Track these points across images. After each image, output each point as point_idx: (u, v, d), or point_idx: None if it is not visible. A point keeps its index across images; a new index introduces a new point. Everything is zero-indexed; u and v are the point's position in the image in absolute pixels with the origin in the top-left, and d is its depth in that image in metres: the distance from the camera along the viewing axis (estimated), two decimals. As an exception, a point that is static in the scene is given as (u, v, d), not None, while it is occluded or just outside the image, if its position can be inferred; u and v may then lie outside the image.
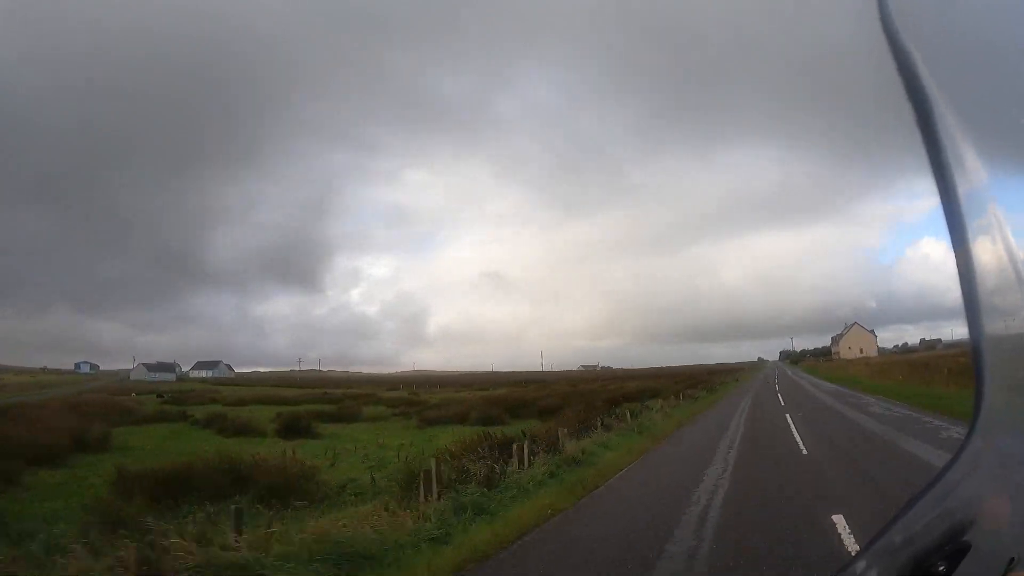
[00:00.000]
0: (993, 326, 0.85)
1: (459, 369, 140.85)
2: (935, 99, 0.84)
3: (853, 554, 1.26)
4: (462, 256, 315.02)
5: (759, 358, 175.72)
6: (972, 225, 0.84)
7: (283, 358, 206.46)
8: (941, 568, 0.88)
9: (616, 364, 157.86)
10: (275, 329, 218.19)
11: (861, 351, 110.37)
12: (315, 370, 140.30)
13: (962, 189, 0.84)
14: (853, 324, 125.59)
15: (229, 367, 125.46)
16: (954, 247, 0.85)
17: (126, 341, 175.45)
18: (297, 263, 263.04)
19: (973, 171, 0.86)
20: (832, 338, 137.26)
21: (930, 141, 0.84)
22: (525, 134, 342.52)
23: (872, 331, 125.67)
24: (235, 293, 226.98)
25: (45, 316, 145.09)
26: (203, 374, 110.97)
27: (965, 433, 0.90)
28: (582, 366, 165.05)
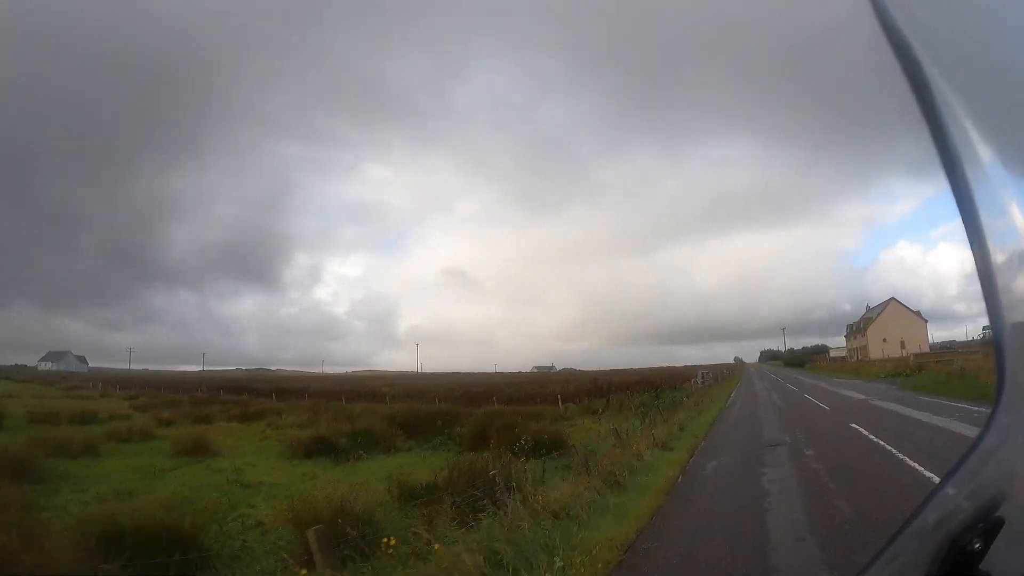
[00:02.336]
0: (1013, 311, 0.85)
1: (427, 370, 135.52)
2: (941, 91, 0.84)
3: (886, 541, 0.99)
4: (430, 256, 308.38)
5: (736, 358, 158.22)
6: (982, 205, 0.85)
7: (253, 358, 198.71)
8: (977, 545, 0.88)
9: (588, 366, 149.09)
10: (241, 328, 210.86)
11: (903, 344, 66.91)
12: (264, 369, 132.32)
13: (972, 178, 0.84)
14: (889, 302, 78.40)
15: (82, 360, 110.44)
16: (966, 227, 0.85)
17: (94, 339, 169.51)
18: (259, 261, 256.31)
19: (985, 161, 0.86)
20: (849, 327, 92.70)
21: (937, 132, 0.84)
22: (488, 128, 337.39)
23: (919, 313, 77.28)
24: (197, 291, 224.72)
25: (5, 312, 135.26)
26: (49, 366, 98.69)
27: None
28: (535, 367, 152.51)
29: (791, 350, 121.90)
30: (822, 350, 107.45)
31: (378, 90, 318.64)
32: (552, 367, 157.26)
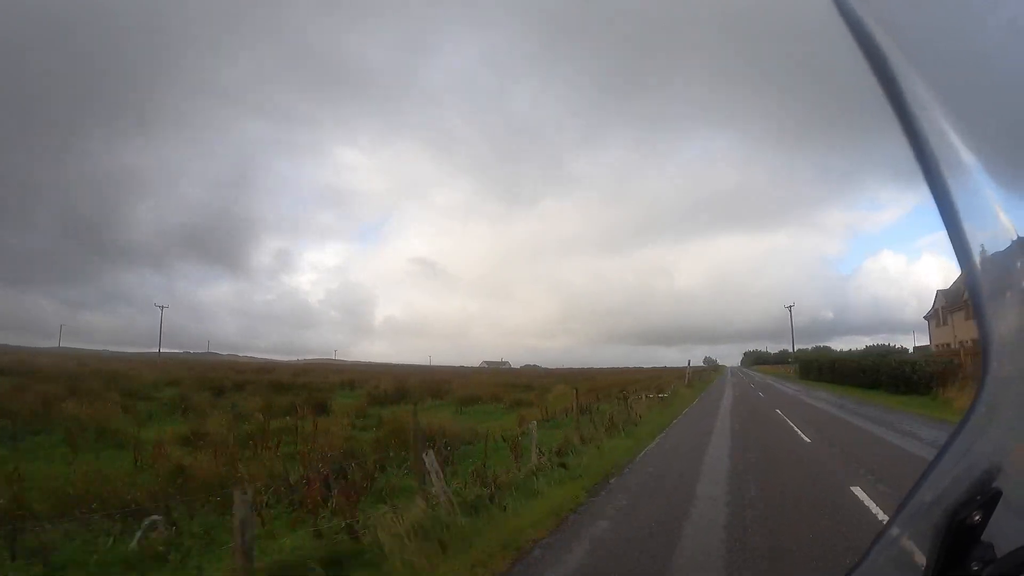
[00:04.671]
0: (1001, 317, 0.87)
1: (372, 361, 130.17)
2: (918, 97, 0.83)
3: (884, 521, 1.24)
4: (405, 246, 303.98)
5: (707, 359, 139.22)
6: (966, 213, 0.84)
7: (231, 344, 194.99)
8: (976, 518, 0.90)
9: (563, 364, 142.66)
10: (211, 314, 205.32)
11: None
12: (213, 354, 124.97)
13: (954, 187, 0.84)
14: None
15: None
16: (950, 236, 0.84)
17: (64, 317, 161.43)
18: (227, 245, 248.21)
19: (968, 168, 0.86)
20: (945, 297, 46.01)
21: (916, 139, 0.83)
22: (459, 113, 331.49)
23: None
24: (162, 273, 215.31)
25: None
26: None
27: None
28: (484, 362, 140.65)
29: (781, 352, 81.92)
30: (824, 351, 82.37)
31: (343, 67, 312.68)
32: (506, 363, 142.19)
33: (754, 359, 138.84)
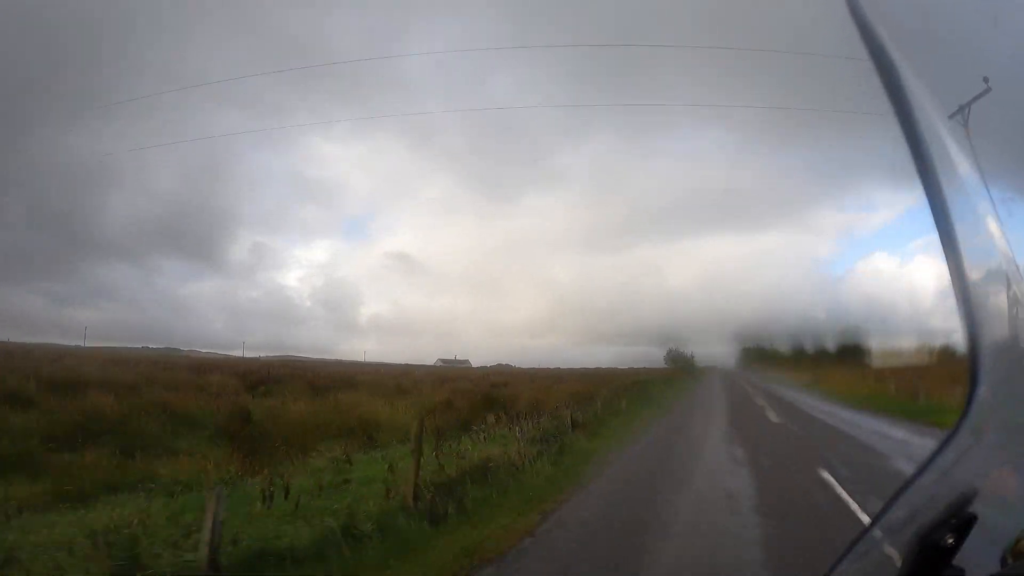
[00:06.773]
0: (989, 325, 0.86)
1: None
2: (919, 101, 0.83)
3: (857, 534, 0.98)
4: (386, 243, 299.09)
5: (671, 351, 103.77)
6: (958, 219, 0.84)
7: (221, 341, 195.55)
8: (949, 540, 0.89)
9: (549, 364, 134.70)
10: (195, 310, 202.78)
11: None
12: (175, 349, 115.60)
13: (948, 192, 0.83)
14: None
15: None
16: (941, 241, 0.84)
17: (50, 313, 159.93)
18: (202, 239, 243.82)
19: (963, 175, 0.86)
20: None
21: (914, 143, 0.83)
22: (445, 106, 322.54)
23: None
24: (139, 267, 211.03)
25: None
26: None
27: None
28: (440, 360, 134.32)
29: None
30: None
31: (318, 55, 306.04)
32: (465, 361, 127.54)
33: (756, 356, 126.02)
